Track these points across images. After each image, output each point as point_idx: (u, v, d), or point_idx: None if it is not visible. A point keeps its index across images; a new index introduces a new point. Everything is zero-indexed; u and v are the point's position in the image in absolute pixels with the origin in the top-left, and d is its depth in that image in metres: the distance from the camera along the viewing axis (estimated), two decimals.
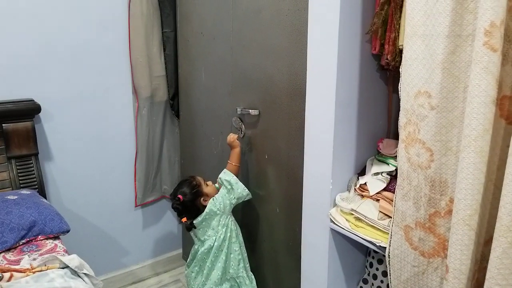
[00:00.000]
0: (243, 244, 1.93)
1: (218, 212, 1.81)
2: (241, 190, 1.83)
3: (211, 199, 1.84)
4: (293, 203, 1.69)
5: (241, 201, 1.86)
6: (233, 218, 1.90)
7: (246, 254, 1.94)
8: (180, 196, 1.82)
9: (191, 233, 1.91)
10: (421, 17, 1.09)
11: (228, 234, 1.85)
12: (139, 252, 2.66)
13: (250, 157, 1.92)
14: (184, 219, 1.85)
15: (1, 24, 1.96)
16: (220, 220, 1.83)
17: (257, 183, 1.90)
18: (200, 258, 1.87)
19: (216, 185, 1.92)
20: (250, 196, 1.86)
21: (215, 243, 1.83)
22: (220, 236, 1.83)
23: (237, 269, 1.88)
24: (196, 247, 1.91)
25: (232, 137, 1.88)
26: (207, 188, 1.88)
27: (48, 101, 2.12)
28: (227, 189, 1.83)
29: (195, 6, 2.16)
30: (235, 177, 1.83)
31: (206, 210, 1.81)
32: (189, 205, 1.83)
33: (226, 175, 1.84)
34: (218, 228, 1.84)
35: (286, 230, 1.79)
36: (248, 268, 1.94)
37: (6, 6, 1.96)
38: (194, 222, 1.83)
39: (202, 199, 1.84)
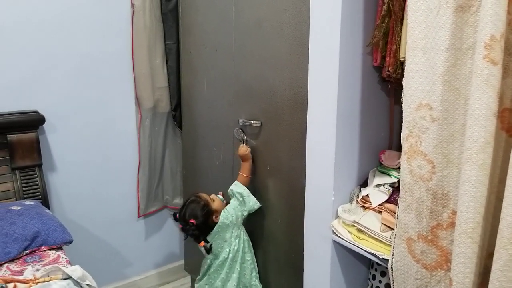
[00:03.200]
0: (253, 253, 1.93)
1: (230, 224, 1.81)
2: (252, 203, 1.82)
3: (222, 211, 1.83)
4: (295, 214, 1.69)
5: (251, 212, 1.86)
6: (244, 229, 1.90)
7: (256, 263, 1.94)
8: (193, 220, 1.76)
9: (201, 248, 1.87)
10: (422, 30, 1.10)
11: (242, 245, 1.85)
12: (141, 263, 2.65)
13: (252, 169, 1.93)
14: (201, 244, 1.79)
15: (6, 37, 1.99)
16: (232, 232, 1.83)
17: (259, 194, 1.90)
18: (214, 270, 1.87)
19: (220, 196, 1.92)
20: (259, 207, 1.86)
21: (230, 255, 1.83)
22: (234, 248, 1.83)
23: (250, 278, 1.88)
24: (208, 261, 1.90)
25: (244, 149, 1.87)
26: (214, 203, 1.86)
27: (52, 112, 2.13)
28: (239, 201, 1.82)
29: (198, 18, 2.18)
30: (247, 190, 1.83)
31: (218, 223, 1.80)
32: (202, 227, 1.79)
33: (238, 187, 1.83)
34: (231, 240, 1.83)
35: (288, 242, 1.78)
36: (258, 277, 1.94)
37: (11, 20, 1.99)
38: (209, 236, 1.81)
39: (214, 216, 1.82)
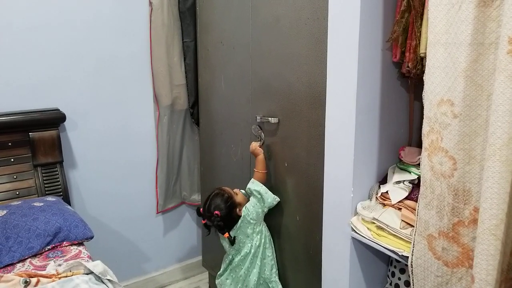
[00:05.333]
0: (274, 249, 1.94)
1: (251, 221, 1.82)
2: (271, 200, 1.83)
3: (243, 207, 1.84)
4: (314, 211, 1.69)
5: (272, 207, 1.87)
6: (265, 224, 1.92)
7: (276, 259, 1.94)
8: (217, 212, 1.79)
9: (223, 243, 1.91)
10: (443, 25, 1.09)
11: (263, 240, 1.86)
12: (160, 259, 2.69)
13: (270, 165, 1.93)
14: (226, 235, 1.82)
15: (29, 38, 2.03)
16: (254, 228, 1.84)
17: (277, 191, 1.91)
18: (235, 265, 1.89)
19: (243, 191, 1.93)
20: (279, 201, 1.87)
21: (252, 250, 1.84)
22: (255, 243, 1.85)
23: (270, 274, 1.89)
24: (230, 256, 1.92)
25: (254, 145, 1.90)
26: (238, 197, 1.88)
27: (72, 110, 2.17)
28: (257, 199, 1.83)
29: (215, 16, 2.19)
30: (264, 187, 1.83)
31: (241, 218, 1.82)
32: (227, 218, 1.81)
33: (255, 185, 1.84)
34: (253, 236, 1.85)
35: (306, 239, 1.78)
36: (277, 273, 1.94)
37: (34, 21, 2.03)
38: (232, 231, 1.84)
39: (237, 209, 1.84)
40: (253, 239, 1.85)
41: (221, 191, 1.87)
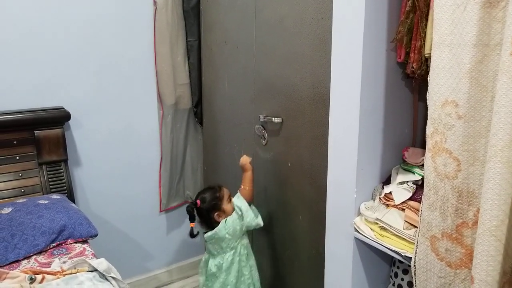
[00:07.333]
0: (254, 267, 1.89)
1: (227, 236, 1.79)
2: (250, 220, 1.78)
3: (224, 220, 1.81)
4: (317, 211, 1.69)
5: (250, 229, 1.83)
6: (244, 242, 1.86)
7: (257, 277, 1.91)
8: (198, 201, 1.82)
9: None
10: (448, 26, 1.09)
11: (237, 258, 1.82)
12: (163, 257, 2.69)
13: (273, 165, 1.93)
14: (192, 225, 1.84)
15: (34, 37, 2.04)
16: (229, 243, 1.81)
17: (280, 191, 1.91)
18: (211, 274, 1.86)
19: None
20: (260, 225, 1.81)
21: (224, 264, 1.82)
22: (227, 258, 1.82)
23: None
24: (206, 256, 1.92)
25: (245, 159, 1.84)
26: (228, 205, 1.84)
27: (77, 108, 2.18)
28: (238, 215, 1.80)
29: (219, 15, 2.19)
30: (246, 204, 1.79)
31: (216, 229, 1.79)
32: (204, 214, 1.82)
33: (239, 201, 1.80)
34: (227, 250, 1.82)
35: (309, 239, 1.79)
36: None
37: (39, 20, 2.04)
38: (205, 236, 1.83)
39: (217, 213, 1.82)
40: (225, 252, 1.82)
41: (218, 188, 1.86)
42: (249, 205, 1.82)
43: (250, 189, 1.84)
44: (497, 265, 1.01)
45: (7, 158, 1.97)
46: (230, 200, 1.86)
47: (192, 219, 1.85)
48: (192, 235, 1.87)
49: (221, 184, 1.98)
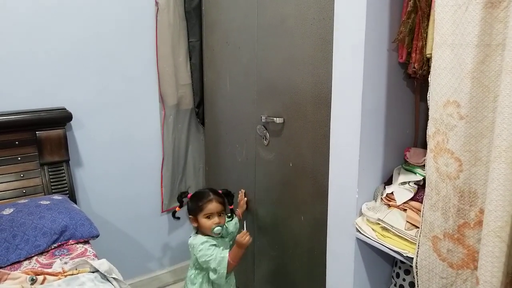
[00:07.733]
0: None
1: (193, 255, 1.80)
2: (206, 266, 1.74)
3: (200, 243, 1.75)
4: (318, 212, 1.69)
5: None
6: (205, 280, 1.81)
7: None
8: (190, 194, 1.87)
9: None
10: (450, 26, 1.09)
11: (200, 280, 1.80)
12: (164, 258, 2.69)
13: (275, 165, 1.93)
14: (177, 208, 1.93)
15: (35, 37, 2.04)
16: (195, 262, 1.82)
17: (282, 191, 1.91)
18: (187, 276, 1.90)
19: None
20: (214, 278, 1.73)
21: (188, 277, 1.87)
22: (190, 276, 1.85)
23: None
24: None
25: (243, 237, 1.72)
26: (205, 221, 1.76)
27: (78, 109, 2.18)
28: (212, 267, 1.72)
29: (221, 16, 2.19)
30: (224, 271, 1.69)
31: (191, 240, 1.82)
32: (189, 208, 1.85)
33: (221, 262, 1.70)
34: (191, 265, 1.86)
35: (311, 239, 1.78)
36: None
37: (40, 19, 2.04)
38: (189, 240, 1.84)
39: (191, 217, 1.82)
40: (191, 268, 1.86)
41: (208, 198, 1.79)
42: (226, 276, 1.73)
43: (234, 264, 1.72)
44: (502, 266, 1.01)
45: (9, 159, 1.97)
46: (219, 215, 1.77)
47: (180, 204, 1.93)
48: (174, 216, 1.98)
49: (222, 185, 1.98)
